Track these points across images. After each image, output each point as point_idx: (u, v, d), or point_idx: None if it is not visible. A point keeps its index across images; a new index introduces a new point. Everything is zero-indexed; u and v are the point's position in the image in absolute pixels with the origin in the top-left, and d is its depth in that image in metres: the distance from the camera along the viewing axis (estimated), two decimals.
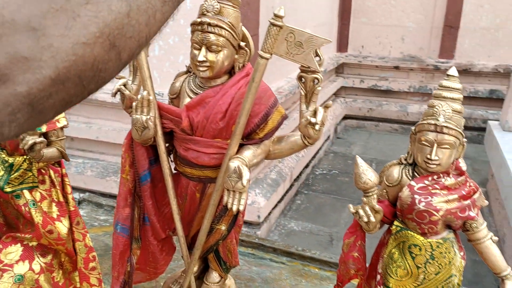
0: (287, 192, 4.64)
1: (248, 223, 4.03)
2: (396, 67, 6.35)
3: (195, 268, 1.76)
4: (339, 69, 6.79)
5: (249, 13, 3.76)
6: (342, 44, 6.70)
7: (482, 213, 3.96)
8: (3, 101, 0.42)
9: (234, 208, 1.34)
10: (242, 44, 1.47)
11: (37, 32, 0.41)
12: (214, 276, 1.80)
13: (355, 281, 1.56)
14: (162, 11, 0.50)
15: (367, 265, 1.48)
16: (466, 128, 6.06)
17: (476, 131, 6.03)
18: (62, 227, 1.76)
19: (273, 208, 4.32)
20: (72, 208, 1.83)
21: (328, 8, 6.04)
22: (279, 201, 4.42)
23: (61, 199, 1.80)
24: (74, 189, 3.84)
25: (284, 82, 4.84)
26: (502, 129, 4.35)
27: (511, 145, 3.99)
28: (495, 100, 5.86)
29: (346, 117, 6.80)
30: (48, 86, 0.43)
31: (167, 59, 3.58)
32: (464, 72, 5.98)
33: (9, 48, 0.40)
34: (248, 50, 1.48)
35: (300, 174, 5.06)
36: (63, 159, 1.81)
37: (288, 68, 4.90)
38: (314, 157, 5.56)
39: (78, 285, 1.89)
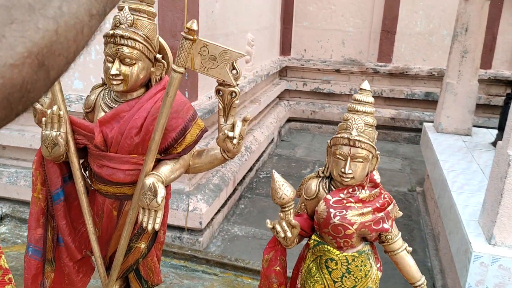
0: (230, 196, 4.61)
1: (190, 230, 3.97)
2: (338, 70, 6.49)
3: None
4: (283, 72, 6.85)
5: (188, 18, 3.70)
6: (285, 48, 6.77)
7: (419, 212, 4.09)
8: None
9: (149, 227, 1.30)
10: (159, 56, 1.42)
11: None
12: None
13: None
14: (90, 25, 0.49)
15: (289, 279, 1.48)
16: (405, 129, 6.30)
17: (414, 132, 6.26)
18: None
19: (216, 214, 4.28)
20: None
21: (270, 12, 6.07)
22: (222, 206, 4.39)
23: None
24: (6, 200, 3.65)
25: None
26: (436, 130, 4.53)
27: (444, 146, 4.17)
28: (430, 102, 6.10)
29: (290, 120, 6.87)
30: None
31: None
32: (402, 75, 6.20)
33: None
34: (165, 63, 1.44)
35: (244, 178, 5.05)
36: None
37: None
38: (258, 160, 5.56)
39: None
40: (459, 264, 2.77)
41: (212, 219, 4.11)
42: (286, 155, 6.00)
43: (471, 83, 4.32)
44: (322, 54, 6.64)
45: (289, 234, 1.28)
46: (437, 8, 5.99)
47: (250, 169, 5.25)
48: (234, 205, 4.69)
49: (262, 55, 5.93)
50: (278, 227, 1.29)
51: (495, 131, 4.27)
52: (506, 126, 2.63)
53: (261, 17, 5.70)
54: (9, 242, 2.37)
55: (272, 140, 6.11)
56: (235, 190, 4.70)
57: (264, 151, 5.79)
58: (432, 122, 4.75)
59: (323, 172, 1.41)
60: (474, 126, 4.79)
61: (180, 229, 3.96)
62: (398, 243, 1.38)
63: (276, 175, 1.31)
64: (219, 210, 4.28)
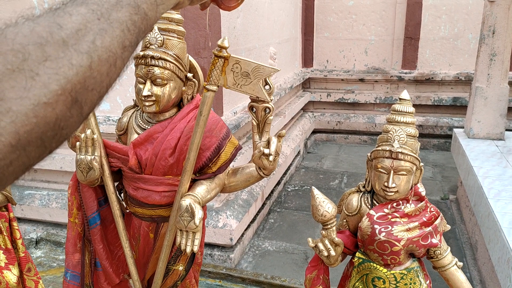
0: (259, 211, 4.57)
1: (221, 247, 3.94)
2: (361, 80, 6.41)
3: None
4: (306, 84, 6.81)
5: (210, 35, 3.72)
6: (307, 59, 6.74)
7: (454, 221, 3.97)
8: None
9: (188, 250, 1.27)
10: (190, 75, 1.41)
11: None
12: None
13: None
14: (122, 58, 0.48)
15: None
16: (434, 136, 6.17)
17: (443, 139, 6.12)
18: (11, 275, 1.65)
19: (246, 229, 4.25)
20: (22, 254, 1.71)
21: (290, 24, 6.07)
22: (252, 222, 4.35)
23: (9, 245, 1.68)
24: (39, 222, 3.69)
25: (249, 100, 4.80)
26: (467, 136, 4.41)
27: (476, 152, 4.05)
28: (459, 107, 5.96)
29: (315, 131, 6.81)
30: (8, 153, 0.40)
31: (131, 84, 3.51)
32: (427, 81, 6.09)
33: None
34: (196, 81, 1.42)
35: (272, 192, 5.01)
36: (9, 203, 1.70)
37: None
38: (285, 173, 5.52)
39: None
40: (501, 274, 2.66)
41: (242, 235, 4.08)
42: (313, 167, 5.94)
43: (501, 86, 4.20)
44: (344, 64, 6.58)
45: (332, 253, 1.23)
46: (460, 12, 5.88)
47: (278, 183, 5.21)
48: (263, 220, 4.64)
49: (285, 68, 5.92)
50: (321, 246, 1.25)
51: None
52: None
53: (282, 30, 5.70)
54: (45, 266, 2.38)
55: (299, 152, 6.06)
56: (264, 204, 4.66)
57: (291, 164, 5.74)
58: (462, 127, 4.63)
59: (364, 187, 1.36)
60: (507, 130, 4.65)
61: (211, 246, 3.93)
62: (448, 258, 1.31)
63: (316, 192, 1.27)
64: (249, 226, 4.25)
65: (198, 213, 1.26)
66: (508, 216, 2.92)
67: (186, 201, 1.29)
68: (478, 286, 3.38)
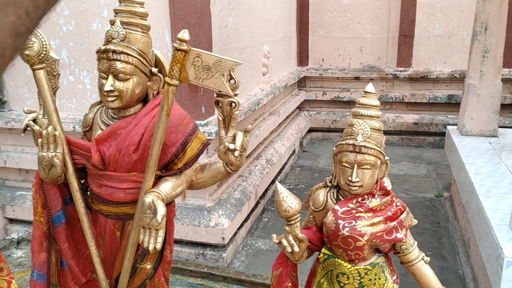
0: (252, 210, 4.55)
1: (213, 246, 3.93)
2: (357, 78, 6.39)
3: None
4: (301, 83, 6.79)
5: (200, 33, 3.70)
6: (303, 58, 6.72)
7: (448, 218, 3.94)
8: None
9: (151, 247, 1.25)
10: (155, 70, 1.39)
11: None
12: None
13: None
14: (14, 46, 0.41)
15: None
16: (429, 134, 6.14)
17: (438, 136, 6.09)
18: None
19: (239, 229, 4.22)
20: None
21: (285, 23, 6.05)
22: (245, 221, 4.33)
23: None
24: (30, 223, 3.67)
25: (243, 99, 4.79)
26: (460, 133, 4.38)
27: (469, 149, 4.02)
28: (453, 104, 5.93)
29: (311, 130, 6.79)
30: None
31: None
32: (422, 79, 6.06)
33: None
34: (161, 76, 1.40)
35: (266, 191, 4.99)
36: None
37: (247, 85, 4.87)
38: (280, 172, 5.50)
39: None
40: (491, 271, 2.63)
41: (235, 234, 4.06)
42: (308, 166, 5.91)
43: (494, 83, 4.17)
44: (340, 62, 6.56)
45: (296, 249, 1.21)
46: (455, 9, 5.85)
47: (272, 182, 5.18)
48: (257, 219, 4.62)
49: (279, 66, 5.90)
50: (284, 242, 1.22)
51: None
52: None
53: (276, 29, 5.68)
54: (25, 266, 2.36)
55: (294, 151, 6.04)
56: (257, 203, 4.64)
57: (286, 163, 5.72)
58: (456, 125, 4.60)
59: (330, 182, 1.34)
60: (501, 126, 4.62)
61: (203, 245, 3.91)
62: (414, 253, 1.28)
63: (280, 187, 1.25)
64: (242, 225, 4.23)
65: (161, 209, 1.25)
66: (498, 212, 2.89)
67: (148, 198, 1.27)
68: (470, 283, 3.36)
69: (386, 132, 6.33)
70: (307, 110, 6.76)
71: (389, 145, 6.35)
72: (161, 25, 3.54)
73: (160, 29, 3.50)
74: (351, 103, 6.53)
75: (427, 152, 6.04)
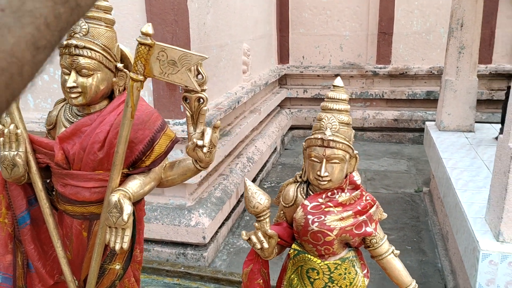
0: (234, 209, 4.53)
1: (194, 246, 3.90)
2: (337, 75, 6.40)
3: None
4: (282, 81, 6.79)
5: (178, 31, 3.66)
6: (283, 56, 6.72)
7: (427, 212, 3.98)
8: None
9: (117, 247, 1.22)
10: (120, 65, 1.36)
11: None
12: None
13: None
14: (34, 62, 0.37)
15: None
16: (408, 130, 6.20)
17: (417, 132, 6.14)
18: None
19: (220, 227, 4.20)
20: None
21: (265, 21, 6.03)
22: (227, 219, 4.31)
23: None
24: None
25: (223, 97, 4.77)
26: (438, 129, 4.42)
27: (446, 144, 4.06)
28: (432, 100, 5.99)
29: (292, 128, 6.79)
30: None
31: None
32: (401, 76, 6.10)
33: None
34: (127, 72, 1.37)
35: None
36: None
37: (227, 83, 4.84)
38: (261, 170, 5.49)
39: None
40: (468, 263, 2.66)
41: (216, 233, 4.03)
42: (290, 164, 5.91)
43: (470, 79, 4.22)
44: (320, 60, 6.57)
45: (265, 245, 1.19)
46: (432, 6, 5.90)
47: (254, 180, 5.17)
48: (239, 218, 4.60)
49: (260, 64, 5.88)
50: (254, 238, 1.21)
51: (499, 126, 4.15)
52: (506, 119, 2.53)
53: (256, 26, 5.66)
54: None
55: (275, 149, 6.03)
56: (239, 202, 4.62)
57: (267, 161, 5.71)
58: (435, 121, 4.65)
59: (300, 177, 1.33)
60: (478, 122, 4.68)
61: (184, 245, 3.88)
62: (384, 247, 1.28)
63: (249, 183, 1.23)
64: (223, 223, 4.20)
65: (127, 208, 1.22)
66: (474, 206, 2.92)
67: (114, 197, 1.24)
68: (449, 276, 3.39)
69: (366, 129, 6.39)
70: (288, 108, 6.76)
71: (369, 141, 6.39)
72: (137, 22, 3.49)
73: (136, 27, 3.44)
74: None
75: (407, 148, 6.09)
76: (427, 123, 4.61)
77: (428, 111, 6.07)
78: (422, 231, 4.03)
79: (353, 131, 1.29)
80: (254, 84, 5.54)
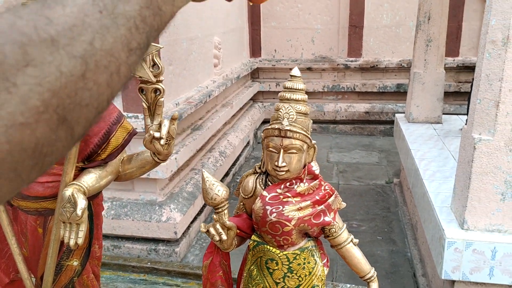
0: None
1: (165, 241, 3.87)
2: (309, 68, 6.43)
3: None
4: (255, 74, 6.78)
5: None
6: (255, 49, 6.70)
7: (397, 203, 4.04)
8: None
9: (71, 243, 1.19)
10: None
11: None
12: None
13: None
14: (128, 63, 0.38)
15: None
16: (380, 122, 6.28)
17: (388, 125, 6.23)
18: None
19: (192, 222, 4.17)
20: None
21: (236, 14, 6.00)
22: (199, 214, 4.28)
23: None
24: None
25: (194, 91, 4.73)
26: (407, 120, 4.49)
27: (415, 136, 4.13)
28: (402, 93, 6.07)
29: (265, 121, 6.79)
30: None
31: None
32: (372, 69, 6.17)
33: None
34: None
35: None
36: None
37: (198, 77, 4.80)
38: (234, 164, 5.48)
39: None
40: (434, 251, 2.71)
41: (188, 228, 4.01)
42: None
43: (437, 71, 4.29)
44: (292, 53, 6.58)
45: (224, 237, 1.18)
46: (401, 0, 5.98)
47: (227, 174, 5.15)
48: (211, 212, 4.58)
49: (232, 58, 5.85)
50: (212, 231, 1.19)
51: (466, 117, 4.24)
52: (469, 110, 2.58)
53: (227, 19, 5.63)
54: None
55: (248, 143, 6.03)
56: None
57: (240, 155, 5.70)
58: (404, 113, 4.72)
59: (259, 168, 1.32)
60: (446, 113, 4.77)
61: (156, 241, 3.84)
62: (343, 236, 1.28)
63: (206, 175, 1.21)
64: (195, 218, 4.18)
65: (81, 203, 1.19)
66: (440, 195, 2.98)
67: (68, 191, 1.21)
68: (418, 264, 3.46)
69: (338, 122, 6.44)
70: (261, 102, 6.76)
71: (342, 134, 6.44)
72: None
73: None
74: None
75: (379, 140, 6.17)
76: (396, 115, 4.68)
77: (399, 103, 6.16)
78: (392, 221, 4.09)
79: (311, 121, 1.29)
80: (225, 78, 5.52)
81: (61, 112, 0.34)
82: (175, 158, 3.83)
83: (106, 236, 3.70)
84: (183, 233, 3.93)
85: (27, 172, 0.34)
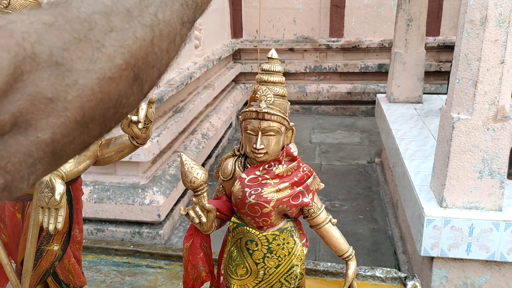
0: None
1: (149, 224, 3.87)
2: (291, 49, 6.41)
3: None
4: (236, 55, 6.73)
5: None
6: (237, 30, 6.64)
7: (379, 182, 4.10)
8: (24, 151, 0.36)
9: (51, 228, 1.19)
10: None
11: (60, 67, 0.36)
12: None
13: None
14: (181, 34, 0.46)
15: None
16: (362, 102, 6.31)
17: (370, 105, 6.27)
18: None
19: (176, 204, 4.19)
20: None
21: None
22: (182, 196, 4.29)
23: None
24: None
25: (175, 73, 4.68)
26: (389, 100, 4.53)
27: (396, 115, 4.17)
28: (383, 73, 6.11)
29: (247, 103, 6.79)
30: (72, 130, 0.38)
31: None
32: (354, 49, 6.18)
33: (31, 88, 0.35)
34: None
35: (203, 165, 4.95)
36: None
37: (179, 59, 4.74)
38: (217, 146, 5.48)
39: None
40: (414, 229, 2.78)
41: (171, 210, 4.02)
42: None
43: (418, 51, 4.32)
44: (274, 33, 6.54)
45: (204, 219, 1.19)
46: None
47: (210, 156, 5.16)
48: None
49: (213, 39, 5.79)
50: (192, 213, 1.20)
51: (445, 97, 4.29)
52: (448, 90, 2.61)
53: None
54: None
55: (231, 124, 6.02)
56: None
57: (223, 137, 5.70)
58: (385, 93, 4.75)
59: (238, 150, 1.33)
60: (427, 93, 4.82)
61: (139, 224, 3.85)
62: (322, 216, 1.31)
63: (185, 158, 1.22)
64: (178, 200, 4.19)
65: (59, 187, 1.18)
66: (420, 174, 3.03)
67: (46, 176, 1.20)
68: (398, 242, 3.53)
69: (321, 102, 6.46)
70: (243, 83, 6.73)
71: (324, 115, 6.47)
72: None
73: None
74: (285, 75, 6.52)
75: (361, 120, 6.22)
76: (378, 95, 4.71)
77: (380, 83, 6.20)
78: (374, 200, 4.16)
79: (289, 103, 1.29)
80: (207, 59, 5.47)
81: (136, 70, 0.41)
82: (157, 141, 3.81)
83: (90, 220, 3.69)
84: (166, 216, 3.94)
85: (110, 120, 0.41)
